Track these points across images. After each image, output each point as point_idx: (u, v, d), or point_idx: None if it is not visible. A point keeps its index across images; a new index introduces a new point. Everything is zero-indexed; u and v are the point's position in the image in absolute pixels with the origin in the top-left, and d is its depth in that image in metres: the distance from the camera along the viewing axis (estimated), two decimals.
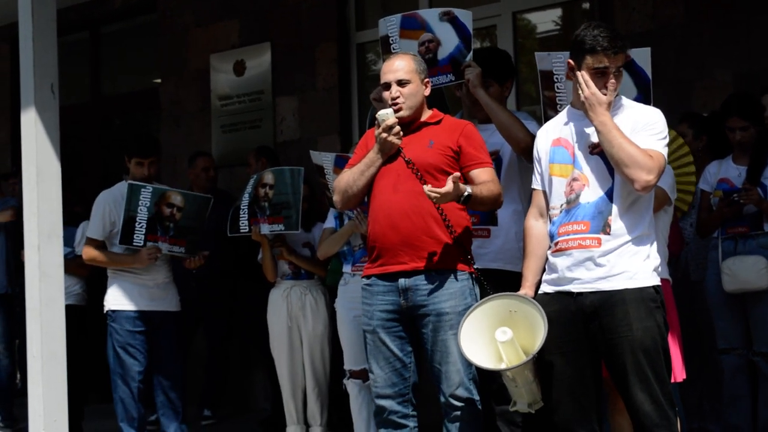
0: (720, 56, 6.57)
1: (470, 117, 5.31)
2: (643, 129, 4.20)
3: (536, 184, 4.48)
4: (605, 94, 4.18)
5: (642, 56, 4.97)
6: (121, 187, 6.44)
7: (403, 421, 4.77)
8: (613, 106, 4.25)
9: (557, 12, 7.67)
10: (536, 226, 4.44)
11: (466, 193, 4.54)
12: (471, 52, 5.30)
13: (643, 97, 4.86)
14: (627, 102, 4.38)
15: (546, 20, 7.71)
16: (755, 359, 5.85)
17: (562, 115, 4.46)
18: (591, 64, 4.19)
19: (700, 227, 6.07)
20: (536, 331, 4.14)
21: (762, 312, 5.79)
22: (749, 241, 5.85)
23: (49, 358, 5.38)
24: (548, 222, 4.38)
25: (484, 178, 4.71)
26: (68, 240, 6.65)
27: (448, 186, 4.44)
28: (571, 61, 4.30)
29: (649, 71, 4.98)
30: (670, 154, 5.41)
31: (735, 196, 5.79)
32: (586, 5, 7.48)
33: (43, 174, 5.45)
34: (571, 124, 4.35)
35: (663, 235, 4.89)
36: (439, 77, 5.36)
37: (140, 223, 6.26)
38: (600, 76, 4.19)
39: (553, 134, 4.41)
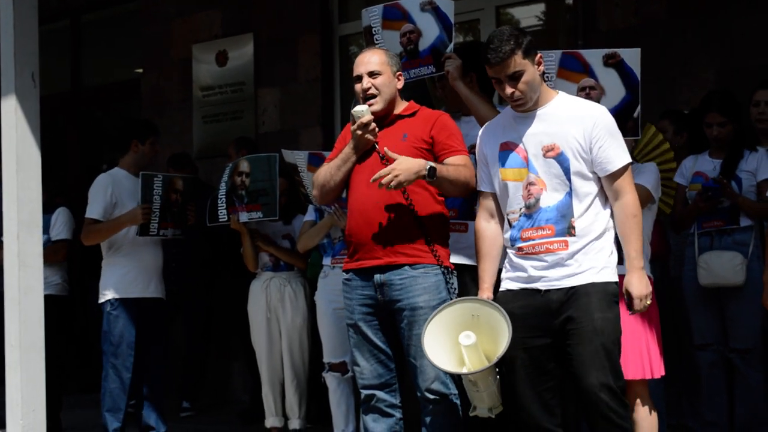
0: (703, 53, 6.59)
1: (451, 110, 5.25)
2: (607, 136, 4.21)
3: (484, 186, 4.47)
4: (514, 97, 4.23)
5: (632, 57, 4.97)
6: (117, 173, 6.58)
7: (390, 410, 4.79)
8: (548, 105, 4.28)
9: (540, 7, 7.68)
10: (488, 228, 4.45)
11: (428, 166, 4.54)
12: (452, 43, 5.24)
13: (631, 98, 4.89)
14: (567, 100, 4.35)
15: (529, 15, 7.71)
16: (731, 356, 5.86)
17: (506, 117, 4.44)
18: (491, 75, 4.29)
19: (675, 222, 6.08)
20: (499, 336, 4.14)
21: (737, 308, 5.80)
22: (725, 237, 5.84)
23: (28, 347, 5.36)
24: (506, 225, 4.37)
25: (456, 163, 4.69)
26: (44, 227, 6.66)
27: (398, 159, 4.52)
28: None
29: (638, 72, 4.97)
30: (651, 151, 5.44)
31: (710, 193, 5.79)
32: (569, 0, 7.48)
33: (22, 163, 5.43)
34: (517, 127, 4.33)
35: (646, 232, 4.88)
36: (420, 68, 5.31)
37: (155, 212, 6.40)
38: (499, 84, 4.27)
39: (500, 137, 4.39)
